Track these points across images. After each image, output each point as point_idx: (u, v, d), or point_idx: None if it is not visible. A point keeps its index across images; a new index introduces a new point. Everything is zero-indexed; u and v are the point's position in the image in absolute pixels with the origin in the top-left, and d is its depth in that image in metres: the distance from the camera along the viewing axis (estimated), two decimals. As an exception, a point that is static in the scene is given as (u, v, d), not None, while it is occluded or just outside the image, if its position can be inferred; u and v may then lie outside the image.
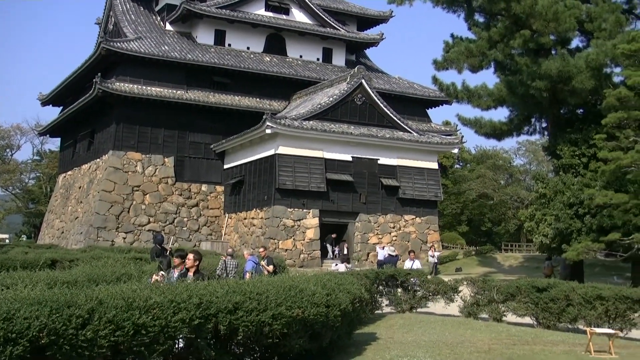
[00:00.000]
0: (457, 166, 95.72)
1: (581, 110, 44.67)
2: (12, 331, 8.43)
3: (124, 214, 56.67)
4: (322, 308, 13.62)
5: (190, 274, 15.41)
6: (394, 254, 40.93)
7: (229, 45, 66.09)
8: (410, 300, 24.48)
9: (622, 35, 37.56)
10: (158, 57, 58.75)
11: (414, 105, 68.72)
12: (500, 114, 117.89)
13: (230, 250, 24.58)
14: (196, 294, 11.02)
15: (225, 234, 59.31)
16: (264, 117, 51.06)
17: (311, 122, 52.64)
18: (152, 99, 57.55)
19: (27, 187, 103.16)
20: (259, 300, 12.04)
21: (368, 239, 54.36)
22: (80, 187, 64.79)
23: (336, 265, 32.24)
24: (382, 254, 43.19)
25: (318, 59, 70.06)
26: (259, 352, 12.81)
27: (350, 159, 54.33)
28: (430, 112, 71.81)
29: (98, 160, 61.45)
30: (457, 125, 69.97)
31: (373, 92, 56.07)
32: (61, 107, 74.38)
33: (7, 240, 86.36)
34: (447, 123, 77.21)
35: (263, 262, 24.93)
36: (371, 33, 74.46)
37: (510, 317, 22.51)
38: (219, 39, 66.04)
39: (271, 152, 52.59)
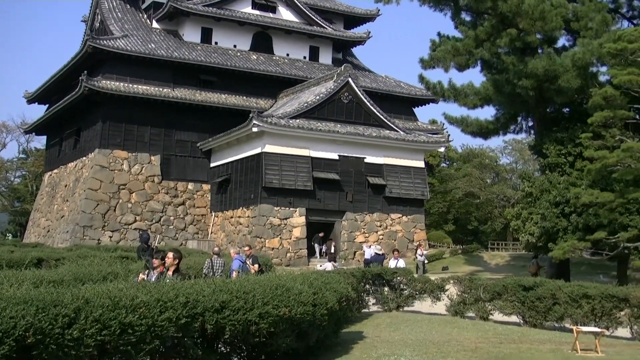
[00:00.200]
0: (444, 165, 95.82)
1: (567, 109, 44.77)
2: (-3, 330, 8.38)
3: (110, 212, 56.53)
4: (309, 307, 13.61)
5: (170, 273, 15.30)
6: (380, 252, 40.88)
7: (216, 43, 65.99)
8: (397, 299, 24.47)
9: (608, 35, 37.66)
10: (144, 55, 58.61)
11: (400, 104, 68.77)
12: (487, 113, 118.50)
13: (217, 249, 24.44)
14: (183, 293, 10.98)
15: (211, 233, 59.24)
16: (251, 115, 51.00)
17: (298, 120, 52.61)
18: (139, 97, 57.42)
19: (13, 186, 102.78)
20: (246, 299, 12.02)
21: (355, 238, 54.39)
22: (66, 186, 64.58)
23: (321, 266, 32.23)
24: (369, 252, 43.13)
25: (305, 57, 70.03)
26: (246, 351, 12.79)
27: (337, 158, 54.34)
28: (417, 110, 72.01)
29: (84, 158, 61.24)
30: (443, 124, 69.89)
31: (360, 91, 56.10)
32: (47, 105, 74.11)
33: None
34: (433, 122, 77.21)
35: (248, 261, 24.85)
36: (358, 31, 74.43)
37: (497, 316, 22.53)
38: (206, 37, 65.92)
39: (258, 150, 52.53)
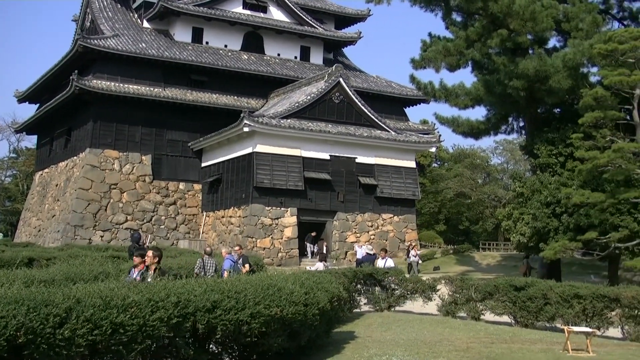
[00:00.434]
0: (435, 165, 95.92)
1: (558, 110, 44.90)
2: (-12, 330, 8.35)
3: (101, 212, 56.41)
4: (300, 307, 13.60)
5: (151, 272, 15.26)
6: (371, 252, 40.86)
7: (207, 43, 65.92)
8: (388, 299, 24.47)
9: (598, 35, 37.78)
10: (135, 55, 58.52)
11: (391, 104, 68.81)
12: (478, 113, 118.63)
13: (208, 249, 24.36)
14: (174, 292, 10.97)
15: (203, 233, 59.18)
16: (242, 115, 50.94)
17: (289, 120, 52.58)
18: (130, 96, 57.31)
19: (4, 185, 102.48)
20: (237, 299, 12.00)
21: (346, 238, 54.39)
22: (57, 185, 64.44)
23: (312, 267, 32.16)
24: (360, 252, 43.11)
25: (296, 57, 70.00)
26: (238, 350, 12.78)
27: (328, 158, 54.32)
28: (408, 110, 72.05)
29: (75, 158, 61.10)
30: (434, 124, 69.91)
31: (351, 91, 56.10)
32: (38, 105, 73.92)
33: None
34: (424, 122, 77.26)
35: (239, 261, 24.80)
36: (349, 32, 74.43)
37: (488, 316, 22.54)
38: (197, 36, 65.84)
39: (249, 150, 52.49)
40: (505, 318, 22.24)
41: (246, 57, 65.94)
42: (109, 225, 56.33)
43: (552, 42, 46.03)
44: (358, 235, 54.74)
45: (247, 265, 24.58)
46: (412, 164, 58.56)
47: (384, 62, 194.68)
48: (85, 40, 56.86)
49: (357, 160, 55.57)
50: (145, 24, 65.83)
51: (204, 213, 59.84)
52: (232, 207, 54.54)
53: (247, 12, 67.33)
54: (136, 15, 67.38)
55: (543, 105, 44.27)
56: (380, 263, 32.37)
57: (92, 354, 9.44)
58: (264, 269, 28.34)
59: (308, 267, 33.86)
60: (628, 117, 34.56)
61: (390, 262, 32.38)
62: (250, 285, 12.93)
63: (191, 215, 60.27)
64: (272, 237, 51.58)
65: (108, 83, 57.46)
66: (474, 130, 48.54)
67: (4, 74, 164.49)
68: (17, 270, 17.21)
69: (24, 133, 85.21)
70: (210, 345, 11.96)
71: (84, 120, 59.62)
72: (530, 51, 43.32)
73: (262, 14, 68.17)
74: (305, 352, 14.83)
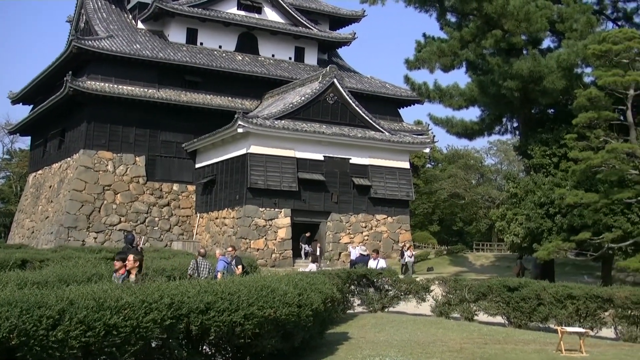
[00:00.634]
0: (429, 166, 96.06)
1: (552, 110, 44.94)
2: (-19, 332, 8.33)
3: (94, 213, 56.33)
4: (294, 308, 13.60)
5: (132, 276, 15.26)
6: (365, 253, 40.83)
7: (201, 44, 65.87)
8: (382, 299, 24.48)
9: (593, 36, 37.83)
10: (129, 56, 58.48)
11: (386, 105, 68.83)
12: (472, 114, 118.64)
13: (202, 250, 24.34)
14: (168, 294, 10.96)
15: (196, 234, 59.12)
16: (236, 116, 50.93)
17: (283, 121, 52.56)
18: (124, 97, 57.27)
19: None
20: (231, 300, 12.00)
21: (340, 239, 54.38)
22: (50, 187, 64.33)
23: (305, 269, 32.19)
24: (354, 253, 43.13)
25: (290, 58, 70.00)
26: (231, 352, 12.78)
27: (322, 159, 54.32)
28: (402, 111, 72.05)
29: (69, 159, 61.02)
30: (428, 125, 69.94)
31: (345, 92, 56.11)
32: (32, 106, 73.74)
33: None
34: (418, 122, 77.37)
35: (232, 262, 24.78)
36: (343, 32, 74.50)
37: (482, 317, 22.58)
38: (191, 37, 65.79)
39: (243, 151, 52.46)
40: (499, 319, 22.29)
41: (240, 58, 65.91)
42: (103, 227, 56.25)
43: (547, 42, 46.16)
44: (352, 236, 54.74)
45: (240, 267, 24.55)
46: (406, 165, 58.58)
47: (378, 62, 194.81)
48: (79, 41, 56.82)
49: (351, 161, 55.57)
50: (140, 25, 65.77)
51: (198, 214, 59.79)
52: (226, 208, 54.49)
53: (242, 12, 67.29)
54: (130, 16, 67.33)
55: (537, 105, 44.28)
56: (372, 264, 32.37)
57: (85, 355, 9.42)
58: (258, 270, 28.33)
59: (301, 269, 33.88)
60: (622, 118, 34.57)
61: (382, 263, 32.36)
62: (244, 286, 12.92)
63: (185, 217, 60.21)
64: (265, 238, 51.55)
65: (102, 84, 57.39)
66: (468, 131, 48.54)
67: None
68: (10, 272, 17.16)
69: (18, 134, 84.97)
70: (204, 347, 11.97)
71: (78, 122, 59.54)
72: (525, 52, 43.34)
73: (256, 15, 68.16)
74: (299, 353, 14.84)
